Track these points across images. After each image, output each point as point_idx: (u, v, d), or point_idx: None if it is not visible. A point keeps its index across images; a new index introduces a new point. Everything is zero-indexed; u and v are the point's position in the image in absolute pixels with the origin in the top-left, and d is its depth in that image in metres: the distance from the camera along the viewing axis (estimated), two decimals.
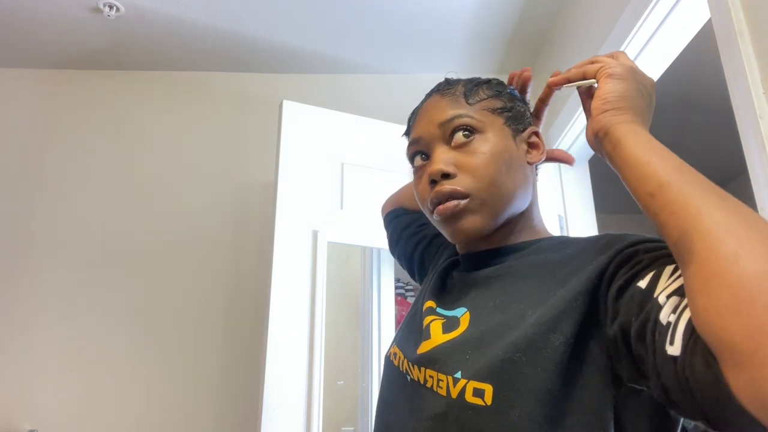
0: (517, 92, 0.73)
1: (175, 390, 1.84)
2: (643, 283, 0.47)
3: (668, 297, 0.44)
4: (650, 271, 0.48)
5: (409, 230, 0.96)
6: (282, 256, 1.54)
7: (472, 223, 0.63)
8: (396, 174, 1.81)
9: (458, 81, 0.72)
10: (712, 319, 0.38)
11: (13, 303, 1.84)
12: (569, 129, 1.82)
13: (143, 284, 1.93)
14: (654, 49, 1.45)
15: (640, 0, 1.37)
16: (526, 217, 0.69)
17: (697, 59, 1.59)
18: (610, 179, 2.89)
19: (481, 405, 0.52)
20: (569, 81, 0.65)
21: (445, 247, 0.85)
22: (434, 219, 0.66)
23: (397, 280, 2.75)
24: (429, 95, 0.73)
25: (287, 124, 1.69)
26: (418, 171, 0.71)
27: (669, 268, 0.47)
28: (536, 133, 0.72)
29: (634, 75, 0.59)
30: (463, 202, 0.63)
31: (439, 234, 0.90)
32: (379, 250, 2.01)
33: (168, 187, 2.07)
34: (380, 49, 2.20)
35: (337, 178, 1.72)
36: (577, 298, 0.53)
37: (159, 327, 1.89)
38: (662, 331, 0.43)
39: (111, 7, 1.82)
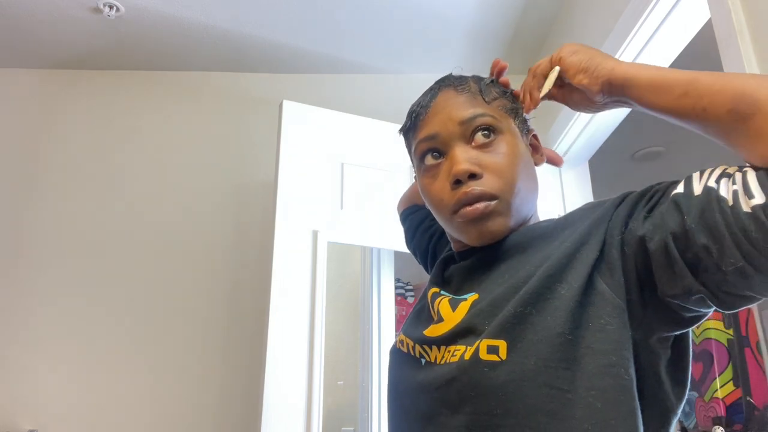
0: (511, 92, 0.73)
1: (175, 390, 1.84)
2: (678, 189, 0.50)
3: (717, 181, 0.48)
4: (677, 184, 0.51)
5: (423, 226, 0.97)
6: (282, 256, 1.54)
7: (499, 225, 0.63)
8: (396, 174, 1.81)
9: (466, 77, 0.70)
10: None
11: (13, 302, 1.83)
12: (569, 129, 1.82)
13: (143, 284, 1.93)
14: (654, 50, 1.45)
15: (640, 0, 1.37)
16: (532, 218, 0.71)
17: (697, 59, 1.59)
18: (610, 179, 2.90)
19: (496, 360, 0.53)
20: (539, 92, 0.66)
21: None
22: (455, 220, 0.64)
23: (397, 280, 2.75)
24: (438, 90, 0.69)
25: (287, 124, 1.69)
26: (430, 170, 0.67)
27: (695, 174, 0.50)
28: (535, 136, 0.73)
29: (576, 44, 0.64)
30: (492, 203, 0.62)
31: None
32: (379, 250, 2.01)
33: (168, 187, 2.07)
34: (380, 49, 2.20)
35: (337, 178, 1.72)
36: (579, 248, 0.55)
37: (159, 327, 1.89)
38: (732, 202, 0.45)
39: (111, 7, 1.82)
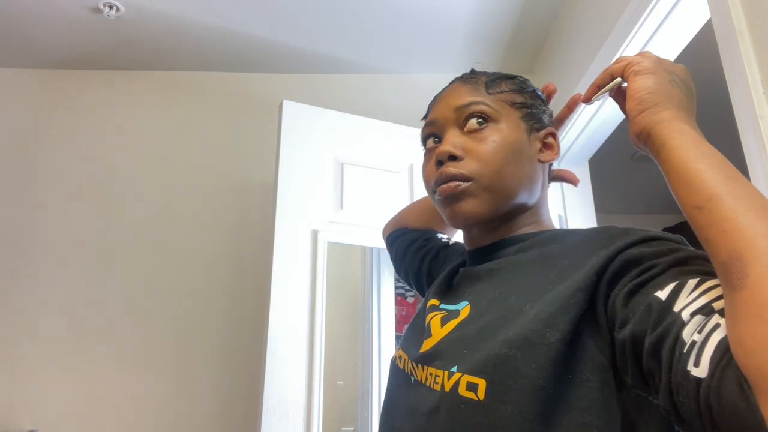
0: (542, 94, 0.74)
1: (175, 390, 1.84)
2: (662, 294, 0.45)
3: (692, 315, 0.42)
4: (670, 282, 0.45)
5: (416, 245, 0.96)
6: (282, 256, 1.54)
7: (471, 206, 0.64)
8: (396, 174, 1.81)
9: (483, 72, 0.73)
10: (760, 349, 0.36)
11: (13, 303, 1.83)
12: (569, 130, 1.82)
13: (143, 284, 1.93)
14: (654, 50, 1.45)
15: (640, 0, 1.38)
16: (532, 213, 0.69)
17: (697, 59, 1.59)
18: (610, 179, 2.89)
19: (473, 399, 0.52)
20: (598, 88, 0.63)
21: (453, 255, 0.86)
22: (435, 199, 0.68)
23: (397, 280, 2.74)
24: (451, 83, 0.73)
25: (287, 124, 1.69)
26: (428, 153, 0.71)
27: (692, 282, 0.44)
28: (553, 135, 0.72)
29: (662, 66, 0.57)
30: (464, 184, 0.63)
31: (446, 246, 0.91)
32: (379, 250, 2.01)
33: (168, 187, 2.07)
34: (380, 49, 2.20)
35: (337, 178, 1.72)
36: (575, 294, 0.52)
37: (158, 327, 1.89)
38: (685, 350, 0.41)
39: (111, 7, 1.82)
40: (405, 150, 1.85)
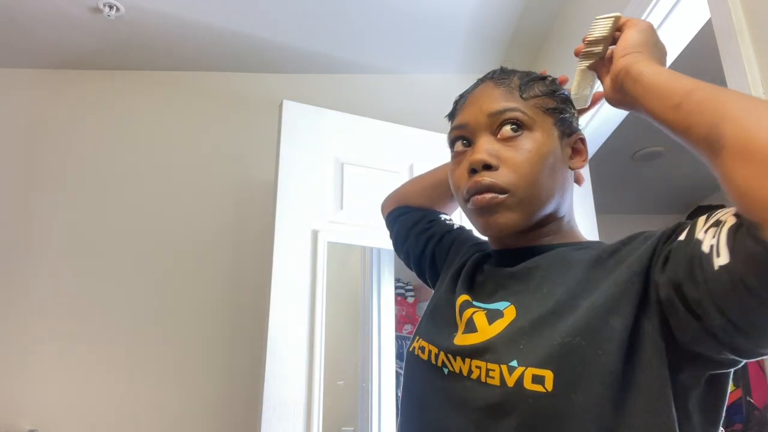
0: (569, 93, 0.72)
1: (175, 390, 1.84)
2: (682, 236, 0.49)
3: (706, 232, 0.46)
4: (687, 227, 0.50)
5: (418, 227, 0.93)
6: (282, 256, 1.54)
7: (506, 219, 0.63)
8: (396, 174, 1.81)
9: (514, 72, 0.71)
10: (749, 186, 0.40)
11: (13, 303, 1.83)
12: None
13: (143, 284, 1.93)
14: None
15: (640, 0, 1.38)
16: (563, 220, 0.69)
17: (697, 59, 1.59)
18: (610, 179, 2.88)
19: (541, 392, 0.51)
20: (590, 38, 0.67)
21: (461, 243, 0.84)
22: (467, 208, 0.66)
23: (397, 280, 2.75)
24: (481, 81, 0.71)
25: (287, 124, 1.69)
26: (457, 156, 0.69)
27: (702, 218, 0.49)
28: (582, 140, 0.71)
29: (655, 33, 0.64)
30: (500, 196, 0.62)
31: (450, 231, 0.89)
32: (379, 250, 2.01)
33: (168, 187, 2.07)
34: (380, 49, 2.20)
35: (337, 178, 1.72)
36: (632, 278, 0.53)
37: (159, 327, 1.89)
38: (708, 256, 0.44)
39: (111, 7, 1.82)
40: (405, 150, 1.85)
